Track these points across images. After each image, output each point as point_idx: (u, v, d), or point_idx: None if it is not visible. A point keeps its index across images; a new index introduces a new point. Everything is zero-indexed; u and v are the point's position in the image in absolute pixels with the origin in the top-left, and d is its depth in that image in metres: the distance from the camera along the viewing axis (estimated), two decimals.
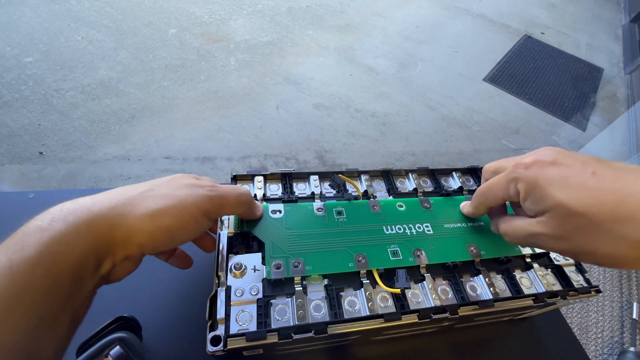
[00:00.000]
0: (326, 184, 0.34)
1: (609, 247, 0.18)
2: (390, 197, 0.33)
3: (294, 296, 0.25)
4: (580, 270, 0.31)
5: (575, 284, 0.30)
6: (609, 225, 0.18)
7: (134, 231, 0.20)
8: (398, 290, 0.26)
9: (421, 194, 0.34)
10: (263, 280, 0.26)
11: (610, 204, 0.18)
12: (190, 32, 1.60)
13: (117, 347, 0.23)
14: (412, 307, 0.26)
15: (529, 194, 0.21)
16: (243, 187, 0.27)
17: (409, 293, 0.27)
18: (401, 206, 0.32)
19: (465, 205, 0.31)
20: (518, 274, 0.30)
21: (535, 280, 0.30)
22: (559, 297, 0.28)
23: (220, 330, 0.23)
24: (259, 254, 0.27)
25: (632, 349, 0.87)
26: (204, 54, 1.52)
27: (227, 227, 0.28)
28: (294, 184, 0.33)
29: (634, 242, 0.17)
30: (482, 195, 0.26)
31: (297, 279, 0.26)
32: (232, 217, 0.28)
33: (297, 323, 0.23)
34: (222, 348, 0.22)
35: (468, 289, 0.28)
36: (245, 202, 0.26)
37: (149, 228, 0.20)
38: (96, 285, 0.20)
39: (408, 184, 0.35)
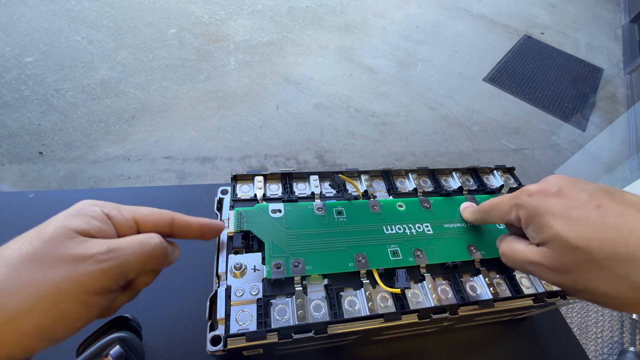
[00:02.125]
0: (326, 184, 0.34)
1: (608, 286, 0.17)
2: (390, 197, 0.33)
3: (294, 296, 0.25)
4: None
5: None
6: (609, 263, 0.17)
7: None
8: (398, 290, 0.26)
9: (421, 194, 0.34)
10: (263, 280, 0.26)
11: (611, 240, 0.17)
12: (190, 32, 1.60)
13: (117, 347, 0.23)
14: (412, 307, 0.26)
15: (529, 222, 0.20)
16: (149, 235, 0.20)
17: (409, 293, 0.27)
18: (401, 206, 0.32)
19: (466, 210, 0.31)
20: (518, 274, 0.30)
21: (535, 280, 0.30)
22: (559, 297, 0.28)
23: (220, 330, 0.23)
24: (259, 254, 0.27)
25: (632, 348, 0.87)
26: (204, 54, 1.52)
27: (227, 227, 0.28)
28: (294, 184, 0.33)
29: (635, 284, 0.16)
30: (484, 213, 0.26)
31: (297, 279, 0.26)
32: (232, 217, 0.28)
33: (297, 323, 0.23)
34: (222, 348, 0.22)
35: (468, 289, 0.28)
36: (156, 256, 0.20)
37: (11, 337, 0.15)
38: None
39: (408, 184, 0.35)
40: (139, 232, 0.21)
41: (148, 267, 0.20)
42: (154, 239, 0.20)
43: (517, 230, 0.24)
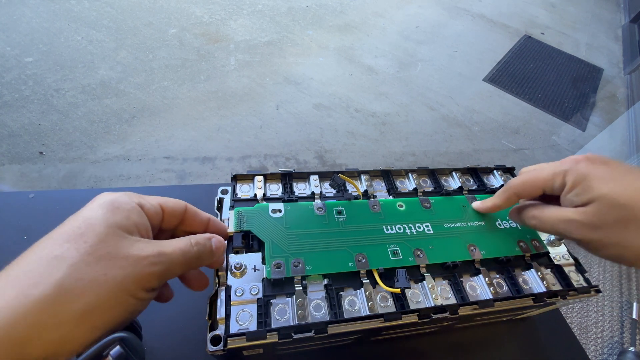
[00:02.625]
0: (326, 184, 0.34)
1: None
2: (390, 197, 0.33)
3: (294, 296, 0.25)
4: (580, 270, 0.31)
5: (575, 283, 0.30)
6: None
7: (60, 343, 0.15)
8: (398, 290, 0.26)
9: (421, 194, 0.34)
10: (263, 279, 0.26)
11: None
12: (190, 32, 1.60)
13: (117, 347, 0.23)
14: (412, 307, 0.26)
15: (576, 185, 0.22)
16: (189, 242, 0.21)
17: (409, 293, 0.27)
18: (401, 206, 0.32)
19: (487, 201, 0.31)
20: (518, 274, 0.30)
21: (535, 280, 0.30)
22: (559, 297, 0.28)
23: (220, 330, 0.23)
24: (259, 254, 0.27)
25: (631, 349, 0.87)
26: (204, 54, 1.52)
27: (227, 226, 0.28)
28: (294, 184, 0.33)
29: None
30: (519, 185, 0.27)
31: (297, 279, 0.26)
32: (232, 217, 0.28)
33: (297, 323, 0.24)
34: (222, 348, 0.22)
35: (468, 289, 0.28)
36: (193, 263, 0.21)
37: (82, 334, 0.16)
38: None
39: (408, 184, 0.35)
40: (163, 218, 0.22)
41: (186, 271, 0.22)
42: (192, 248, 0.21)
43: (538, 199, 0.27)
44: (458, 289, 0.28)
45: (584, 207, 0.22)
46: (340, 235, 0.28)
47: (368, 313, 0.25)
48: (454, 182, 0.36)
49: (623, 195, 0.20)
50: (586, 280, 0.30)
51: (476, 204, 0.32)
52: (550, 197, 0.26)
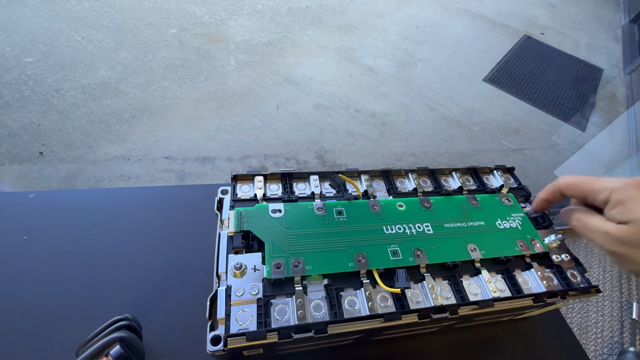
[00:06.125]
0: (326, 184, 0.34)
1: None
2: (390, 197, 0.33)
3: (294, 296, 0.25)
4: (580, 270, 0.31)
5: (575, 284, 0.30)
6: None
7: None
8: (398, 290, 0.26)
9: (421, 194, 0.34)
10: (263, 280, 0.26)
11: None
12: (190, 32, 1.60)
13: (117, 347, 0.23)
14: (412, 307, 0.26)
15: (619, 204, 0.24)
16: None
17: (409, 293, 0.27)
18: (401, 206, 0.32)
19: (536, 199, 0.32)
20: (518, 274, 0.30)
21: (535, 280, 0.30)
22: (559, 297, 0.28)
23: (220, 330, 0.23)
24: (259, 254, 0.27)
25: (631, 349, 0.87)
26: (204, 54, 1.52)
27: (227, 227, 0.28)
28: (294, 184, 0.33)
29: None
30: (569, 184, 0.28)
31: (297, 279, 0.26)
32: (232, 217, 0.28)
33: (297, 323, 0.24)
34: (222, 348, 0.22)
35: (468, 289, 0.28)
36: None
37: None
38: None
39: (408, 184, 0.35)
40: None
41: None
42: None
43: (582, 205, 0.29)
44: (458, 289, 0.28)
45: (622, 225, 0.24)
46: (340, 235, 0.28)
47: (368, 313, 0.25)
48: (453, 182, 0.36)
49: None
50: (586, 280, 0.30)
51: (532, 208, 0.32)
52: (588, 206, 0.28)
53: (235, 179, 0.32)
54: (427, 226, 0.30)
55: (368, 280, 0.27)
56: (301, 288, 0.25)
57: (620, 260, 0.25)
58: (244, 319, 0.23)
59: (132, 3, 1.68)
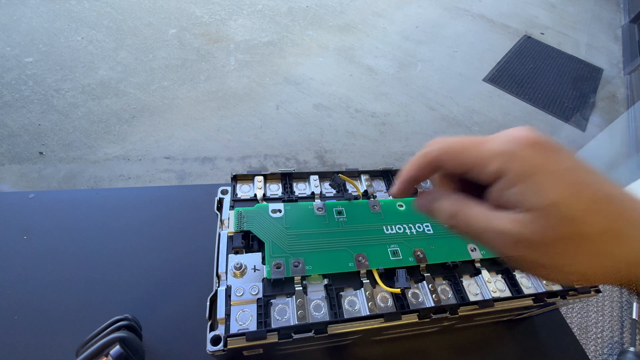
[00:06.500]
0: (326, 184, 0.34)
1: (586, 263, 0.15)
2: (390, 197, 0.33)
3: (294, 296, 0.25)
4: None
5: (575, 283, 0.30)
6: (598, 239, 0.15)
7: None
8: (398, 290, 0.26)
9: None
10: (263, 280, 0.26)
11: (606, 213, 0.15)
12: (190, 32, 1.60)
13: (117, 347, 0.23)
14: (412, 307, 0.26)
15: (520, 180, 0.16)
16: None
17: (409, 293, 0.27)
18: (401, 206, 0.32)
19: (397, 180, 0.21)
20: (518, 274, 0.30)
21: (535, 280, 0.30)
22: (559, 297, 0.28)
23: (220, 330, 0.23)
24: (259, 254, 0.27)
25: (632, 349, 0.87)
26: (204, 54, 1.52)
27: (227, 227, 0.28)
28: (294, 184, 0.33)
29: (614, 261, 0.15)
30: (442, 153, 0.18)
31: (297, 279, 0.26)
32: (232, 217, 0.28)
33: (297, 323, 0.23)
34: (222, 348, 0.22)
35: (468, 289, 0.28)
36: None
37: None
38: None
39: None
40: None
41: None
42: None
43: (459, 188, 0.19)
44: (458, 289, 0.28)
45: (524, 215, 0.15)
46: (340, 235, 0.28)
47: (368, 313, 0.25)
48: None
49: (577, 206, 0.15)
50: None
51: (392, 193, 0.22)
52: (465, 185, 0.19)
53: (235, 179, 0.32)
54: (427, 226, 0.30)
55: (368, 280, 0.27)
56: (301, 288, 0.25)
57: (522, 266, 0.17)
58: (244, 319, 0.23)
59: (132, 3, 1.68)
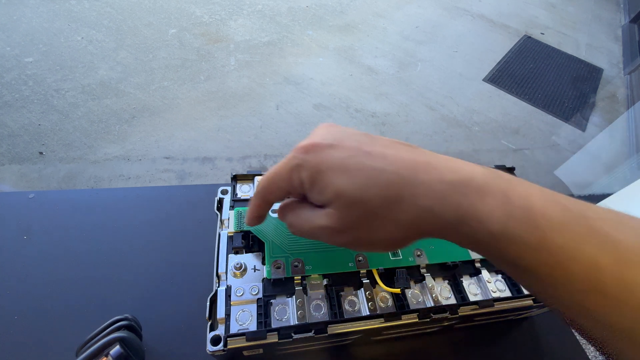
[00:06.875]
0: None
1: (384, 232, 0.17)
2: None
3: (294, 296, 0.25)
4: None
5: None
6: (382, 211, 0.17)
7: None
8: (398, 290, 0.26)
9: None
10: (263, 280, 0.26)
11: (382, 185, 0.17)
12: (190, 32, 1.60)
13: (117, 347, 0.23)
14: (412, 307, 0.26)
15: (313, 183, 0.18)
16: None
17: (409, 293, 0.27)
18: None
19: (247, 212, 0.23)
20: None
21: None
22: None
23: (220, 330, 0.23)
24: (259, 254, 0.27)
25: None
26: (204, 54, 1.52)
27: (227, 227, 0.28)
28: None
29: (402, 222, 0.17)
30: (265, 188, 0.20)
31: (297, 279, 0.26)
32: (232, 217, 0.28)
33: (297, 323, 0.23)
34: (222, 348, 0.22)
35: (468, 289, 0.28)
36: None
37: None
38: None
39: None
40: None
41: None
42: None
43: (299, 196, 0.21)
44: (458, 289, 0.28)
45: (327, 210, 0.18)
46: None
47: (368, 313, 0.25)
48: None
49: (355, 188, 0.17)
50: None
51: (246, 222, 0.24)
52: None
53: (235, 179, 0.32)
54: None
55: (368, 280, 0.27)
56: (301, 288, 0.25)
57: (351, 248, 0.20)
58: (244, 319, 0.23)
59: (132, 3, 1.68)
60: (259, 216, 0.22)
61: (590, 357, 0.36)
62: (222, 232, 0.28)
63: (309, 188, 0.18)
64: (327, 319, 0.24)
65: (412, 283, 0.28)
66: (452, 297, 0.27)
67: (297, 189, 0.19)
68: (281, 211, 0.22)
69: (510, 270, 0.17)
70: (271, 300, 0.25)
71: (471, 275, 0.29)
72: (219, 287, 0.25)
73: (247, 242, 0.28)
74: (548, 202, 0.15)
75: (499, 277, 0.30)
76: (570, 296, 0.14)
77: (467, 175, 0.16)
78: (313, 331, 0.23)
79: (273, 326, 0.23)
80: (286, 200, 0.22)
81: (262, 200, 0.21)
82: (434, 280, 0.28)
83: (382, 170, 0.17)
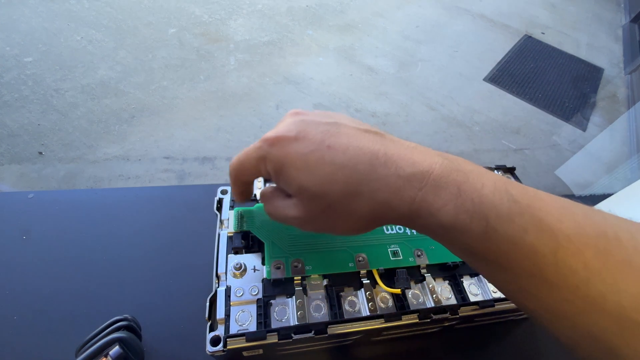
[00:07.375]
0: None
1: (345, 222, 0.19)
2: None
3: (294, 296, 0.25)
4: None
5: None
6: (341, 205, 0.18)
7: None
8: (398, 291, 0.26)
9: None
10: (263, 280, 0.26)
11: (340, 182, 0.17)
12: (190, 32, 1.60)
13: (117, 347, 0.23)
14: (412, 307, 0.26)
15: (278, 175, 0.19)
16: None
17: (409, 293, 0.27)
18: None
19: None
20: None
21: None
22: None
23: (220, 331, 0.23)
24: (259, 254, 0.27)
25: None
26: (204, 54, 1.52)
27: (226, 227, 0.28)
28: None
29: (361, 215, 0.18)
30: (234, 172, 0.22)
31: (297, 279, 0.26)
32: (232, 217, 0.28)
33: (297, 323, 0.23)
34: (222, 348, 0.22)
35: (468, 289, 0.28)
36: None
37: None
38: None
39: None
40: None
41: None
42: None
43: None
44: (458, 289, 0.28)
45: (294, 200, 0.20)
46: (340, 235, 0.28)
47: (368, 313, 0.25)
48: None
49: (315, 183, 0.18)
50: None
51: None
52: None
53: None
54: None
55: (368, 281, 0.27)
56: (301, 288, 0.25)
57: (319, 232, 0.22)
58: (244, 319, 0.23)
59: (131, 2, 1.68)
60: (240, 192, 0.23)
61: None
62: (221, 232, 0.28)
63: (275, 179, 0.20)
64: (327, 320, 0.24)
65: (412, 283, 0.28)
66: (453, 297, 0.27)
67: (266, 177, 0.21)
68: (261, 199, 0.23)
69: (464, 257, 0.18)
70: (271, 301, 0.25)
71: (472, 276, 0.29)
72: (218, 287, 0.25)
73: (246, 242, 0.28)
74: (498, 194, 0.16)
75: None
76: (516, 281, 0.16)
77: (425, 169, 0.17)
78: (313, 332, 0.23)
79: (273, 327, 0.23)
80: (264, 188, 0.23)
81: (236, 180, 0.23)
82: (435, 280, 0.28)
83: (342, 166, 0.17)
